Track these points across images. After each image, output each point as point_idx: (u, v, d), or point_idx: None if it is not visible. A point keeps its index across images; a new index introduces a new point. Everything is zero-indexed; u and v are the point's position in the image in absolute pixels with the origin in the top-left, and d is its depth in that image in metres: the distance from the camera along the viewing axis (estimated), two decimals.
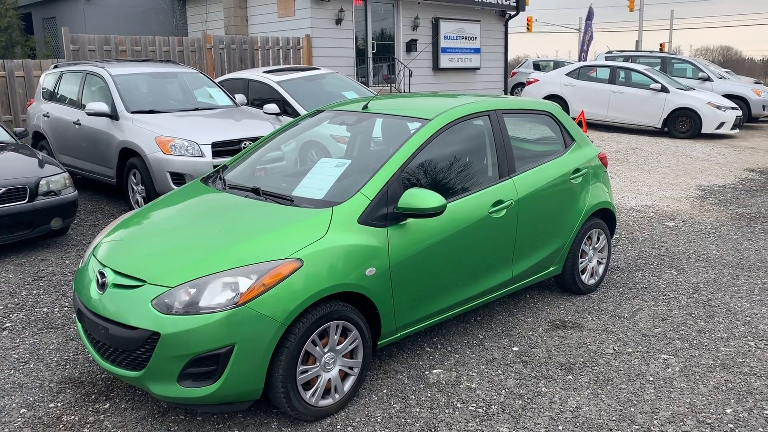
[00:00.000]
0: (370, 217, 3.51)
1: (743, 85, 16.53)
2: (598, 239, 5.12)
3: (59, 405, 3.53)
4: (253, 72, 10.01)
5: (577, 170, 4.81)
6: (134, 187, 7.27)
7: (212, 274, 3.11)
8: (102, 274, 3.37)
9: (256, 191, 3.81)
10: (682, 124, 13.93)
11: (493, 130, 4.32)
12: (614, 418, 3.35)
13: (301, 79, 9.57)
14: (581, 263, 4.98)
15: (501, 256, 4.23)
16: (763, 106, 16.13)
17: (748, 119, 16.11)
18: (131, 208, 7.39)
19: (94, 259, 3.59)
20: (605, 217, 5.21)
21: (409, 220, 3.65)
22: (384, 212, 3.56)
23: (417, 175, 3.83)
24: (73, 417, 3.42)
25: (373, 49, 16.30)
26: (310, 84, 9.61)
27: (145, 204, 7.07)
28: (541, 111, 4.86)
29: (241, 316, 3.02)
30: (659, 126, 14.18)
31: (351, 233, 3.42)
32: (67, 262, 5.86)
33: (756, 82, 19.71)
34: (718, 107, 13.73)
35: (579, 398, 3.54)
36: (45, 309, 4.83)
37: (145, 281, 3.19)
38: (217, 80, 9.59)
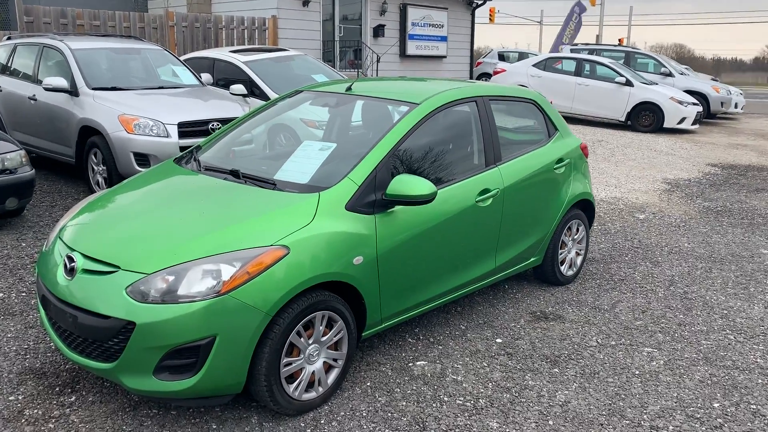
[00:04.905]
0: (358, 204, 3.36)
1: (703, 82, 16.86)
2: (578, 230, 5.08)
3: (20, 398, 3.30)
4: (219, 51, 9.69)
5: (560, 160, 4.75)
6: (95, 167, 6.93)
7: (192, 260, 2.92)
8: (70, 259, 3.13)
9: (235, 173, 3.61)
10: (645, 118, 14.11)
11: (480, 116, 4.21)
12: (604, 412, 3.29)
13: (269, 60, 9.31)
14: (561, 254, 4.93)
15: (486, 245, 4.14)
16: (721, 103, 16.49)
17: (707, 115, 16.45)
18: (91, 190, 7.05)
19: (61, 242, 3.34)
20: (584, 208, 5.17)
21: (397, 208, 3.51)
22: (372, 199, 3.41)
23: (404, 160, 3.69)
24: (36, 411, 3.19)
25: (340, 32, 16.03)
26: (279, 65, 9.35)
27: (106, 185, 6.76)
28: (525, 99, 4.77)
29: (223, 305, 2.85)
30: (623, 119, 14.35)
31: (338, 220, 3.27)
32: (24, 244, 5.54)
33: (713, 79, 20.16)
34: (680, 102, 13.96)
35: (567, 392, 3.48)
36: (1, 294, 4.54)
37: (118, 267, 2.97)
38: (181, 59, 9.24)
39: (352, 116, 4.36)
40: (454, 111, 4.09)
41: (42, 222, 6.17)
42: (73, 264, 3.11)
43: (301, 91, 4.58)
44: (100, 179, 6.89)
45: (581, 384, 3.56)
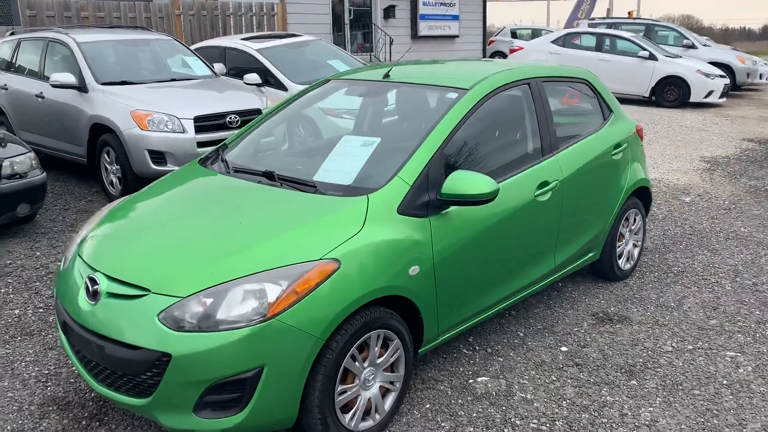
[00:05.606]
0: (410, 206, 2.98)
1: (728, 53, 16.27)
2: (635, 220, 4.68)
3: None
4: (229, 39, 9.29)
5: (617, 145, 4.34)
6: (108, 166, 6.58)
7: (232, 280, 2.55)
8: (93, 281, 2.77)
9: (269, 176, 3.23)
10: (671, 92, 13.59)
11: (534, 100, 3.80)
12: None
13: (283, 47, 8.89)
14: (618, 247, 4.53)
15: (545, 244, 3.75)
16: (747, 74, 15.91)
17: (732, 87, 15.87)
18: (105, 190, 6.70)
19: (80, 261, 2.98)
20: (641, 195, 4.76)
21: (452, 208, 3.12)
22: (425, 200, 3.02)
23: (455, 154, 3.29)
24: None
25: (350, 15, 15.54)
26: (293, 52, 8.92)
27: (120, 185, 6.41)
28: (577, 79, 4.36)
29: (269, 331, 2.48)
30: (647, 95, 13.83)
31: (391, 226, 2.88)
32: (38, 253, 5.20)
33: (733, 49, 19.50)
34: (707, 75, 13.42)
35: (652, 409, 3.10)
36: (17, 311, 4.20)
37: (148, 290, 2.61)
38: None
39: (392, 106, 3.95)
40: (506, 96, 3.68)
41: (56, 227, 5.82)
42: (96, 287, 2.74)
43: (330, 80, 4.17)
44: (114, 179, 6.53)
45: (665, 398, 3.18)
